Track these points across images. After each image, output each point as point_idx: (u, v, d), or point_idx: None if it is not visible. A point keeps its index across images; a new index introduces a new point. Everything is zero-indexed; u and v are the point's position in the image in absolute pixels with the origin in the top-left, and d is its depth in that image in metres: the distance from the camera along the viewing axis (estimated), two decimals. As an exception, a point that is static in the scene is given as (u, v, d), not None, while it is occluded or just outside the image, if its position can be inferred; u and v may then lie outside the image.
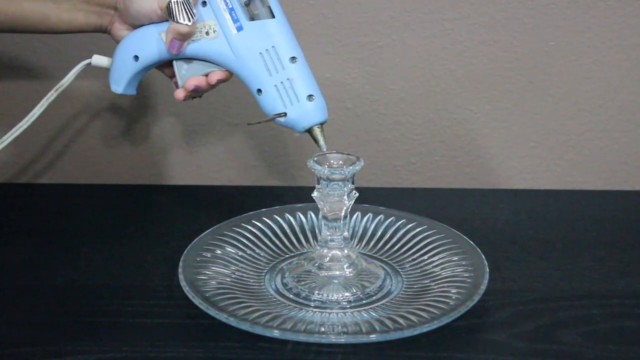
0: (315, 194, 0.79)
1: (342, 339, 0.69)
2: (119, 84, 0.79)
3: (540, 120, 1.05)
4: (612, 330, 0.74)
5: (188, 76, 0.77)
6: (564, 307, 0.77)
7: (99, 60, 0.80)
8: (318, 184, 0.78)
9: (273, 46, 0.75)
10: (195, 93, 0.78)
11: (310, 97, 0.76)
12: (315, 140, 0.77)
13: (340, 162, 0.78)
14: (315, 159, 0.78)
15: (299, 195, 0.95)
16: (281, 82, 0.76)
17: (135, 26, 0.77)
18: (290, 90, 0.76)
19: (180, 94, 0.78)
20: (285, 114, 0.76)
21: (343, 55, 1.03)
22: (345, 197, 0.78)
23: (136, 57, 0.77)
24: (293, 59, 0.76)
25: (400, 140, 1.07)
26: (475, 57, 1.03)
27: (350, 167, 0.77)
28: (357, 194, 0.79)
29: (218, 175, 1.09)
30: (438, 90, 1.04)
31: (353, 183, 0.78)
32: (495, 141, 1.06)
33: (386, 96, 1.05)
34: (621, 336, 0.73)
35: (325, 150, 0.78)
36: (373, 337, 0.69)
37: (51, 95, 0.81)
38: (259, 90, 0.76)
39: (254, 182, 1.09)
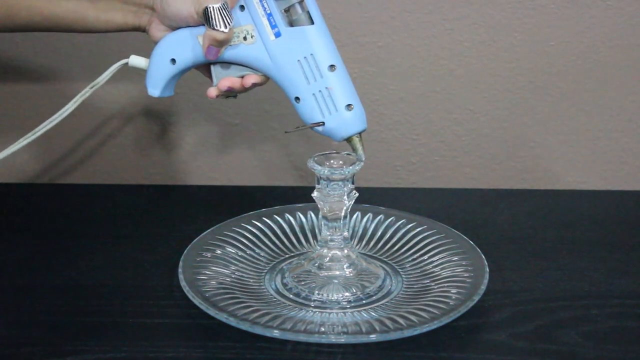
0: (315, 194, 0.79)
1: (342, 339, 0.69)
2: (156, 87, 0.77)
3: (540, 120, 1.05)
4: (612, 330, 0.74)
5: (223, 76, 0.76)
6: (564, 307, 0.77)
7: (136, 60, 0.78)
8: (318, 184, 0.78)
9: (312, 54, 0.74)
10: (229, 93, 0.77)
11: (349, 106, 0.75)
12: (354, 150, 0.77)
13: (340, 162, 0.78)
14: (315, 159, 0.78)
15: (299, 195, 0.95)
16: (319, 91, 0.74)
17: (173, 28, 0.76)
18: (329, 99, 0.74)
19: (212, 92, 0.76)
20: (323, 123, 0.75)
21: (343, 55, 1.02)
22: (345, 197, 0.78)
23: (173, 60, 0.76)
24: (332, 67, 0.74)
25: (400, 140, 1.07)
26: (475, 57, 1.03)
27: (350, 167, 0.77)
28: (357, 194, 0.79)
29: (218, 175, 1.09)
30: (438, 90, 1.04)
31: (353, 183, 0.78)
32: (495, 141, 1.06)
33: (386, 96, 1.05)
34: (621, 336, 0.73)
35: (363, 159, 0.77)
36: (373, 337, 0.69)
37: (86, 92, 0.80)
38: (297, 98, 0.75)
39: (254, 182, 1.09)
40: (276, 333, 0.69)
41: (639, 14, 1.00)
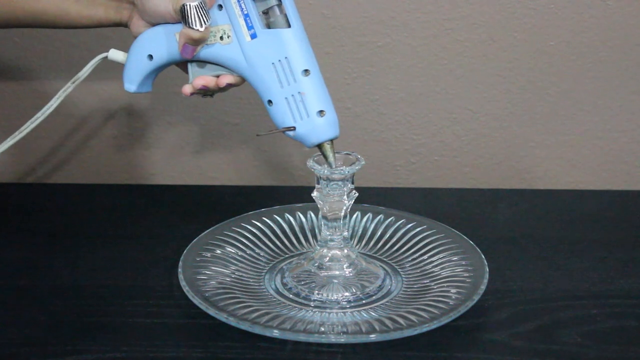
0: (315, 194, 0.79)
1: (342, 339, 0.69)
2: (133, 82, 0.77)
3: (540, 120, 1.05)
4: (612, 330, 0.74)
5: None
6: (564, 307, 0.77)
7: (115, 54, 0.78)
8: (318, 183, 0.78)
9: (286, 57, 0.73)
10: (204, 92, 0.77)
11: (321, 112, 0.74)
12: (325, 157, 0.76)
13: (340, 162, 0.78)
14: (315, 159, 0.78)
15: (299, 195, 0.95)
16: (292, 95, 0.73)
17: (152, 24, 0.76)
18: (301, 104, 0.73)
19: (187, 89, 0.76)
20: (294, 128, 0.74)
21: (343, 55, 1.03)
22: (345, 197, 0.78)
23: (150, 57, 0.76)
24: (306, 71, 0.73)
25: (400, 140, 1.07)
26: (475, 57, 1.03)
27: (350, 167, 0.77)
28: (357, 194, 0.79)
29: (218, 175, 1.09)
30: (438, 90, 1.04)
31: (353, 183, 0.78)
32: (495, 141, 1.06)
33: (386, 96, 1.05)
34: (621, 336, 0.73)
35: (334, 167, 0.76)
36: (373, 337, 0.69)
37: (68, 87, 0.80)
38: (270, 102, 0.74)
39: (254, 182, 1.09)
40: (276, 333, 0.69)
41: (639, 14, 1.00)
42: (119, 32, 0.80)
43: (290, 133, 0.75)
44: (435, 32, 1.02)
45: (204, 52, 0.74)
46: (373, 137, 1.07)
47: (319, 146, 0.75)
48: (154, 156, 1.09)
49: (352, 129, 1.06)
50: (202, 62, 0.76)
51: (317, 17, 1.01)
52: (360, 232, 0.89)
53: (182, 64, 0.78)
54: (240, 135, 1.07)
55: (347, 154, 0.78)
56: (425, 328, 0.70)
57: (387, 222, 0.90)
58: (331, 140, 0.75)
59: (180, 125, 1.07)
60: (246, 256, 0.84)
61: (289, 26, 0.73)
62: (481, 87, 1.04)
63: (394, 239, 0.87)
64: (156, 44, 0.75)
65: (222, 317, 0.71)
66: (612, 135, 1.06)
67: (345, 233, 0.80)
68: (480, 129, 1.06)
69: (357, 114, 1.05)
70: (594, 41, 1.01)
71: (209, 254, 0.82)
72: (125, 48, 0.78)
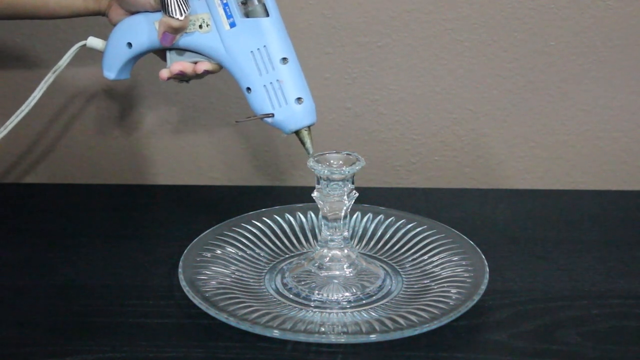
0: (315, 194, 0.79)
1: (342, 339, 0.69)
2: (112, 70, 0.78)
3: (540, 120, 1.05)
4: (612, 330, 0.74)
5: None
6: (564, 307, 0.77)
7: (93, 42, 0.79)
8: (318, 184, 0.78)
9: (265, 45, 0.74)
10: (180, 77, 0.77)
11: (299, 99, 0.75)
12: (302, 143, 0.77)
13: (340, 162, 0.78)
14: (315, 158, 0.78)
15: (299, 195, 0.95)
16: (270, 83, 0.75)
17: (131, 12, 0.77)
18: (279, 91, 0.75)
19: (164, 74, 0.77)
20: (272, 115, 0.76)
21: (343, 55, 1.03)
22: (345, 197, 0.78)
23: (129, 44, 0.76)
24: (284, 59, 0.75)
25: (400, 140, 1.07)
26: (475, 57, 1.03)
27: (350, 167, 0.77)
28: (357, 194, 0.79)
29: (218, 175, 1.09)
30: (438, 90, 1.04)
31: (353, 183, 0.78)
32: (495, 141, 1.06)
33: (386, 96, 1.05)
34: (621, 336, 0.73)
35: (311, 152, 0.77)
36: (373, 337, 0.69)
37: (49, 78, 0.81)
38: (248, 89, 0.76)
39: (254, 182, 1.09)
40: (276, 333, 0.69)
41: (639, 14, 1.00)
42: (94, 20, 0.80)
43: (269, 120, 0.76)
44: (435, 32, 1.02)
45: (183, 41, 0.75)
46: (373, 137, 1.07)
47: (297, 133, 0.77)
48: (155, 156, 1.09)
49: (352, 129, 1.06)
50: (181, 50, 0.77)
51: (317, 17, 1.01)
52: (360, 232, 0.89)
53: (161, 52, 0.79)
54: (240, 135, 1.07)
55: (347, 154, 0.78)
56: (425, 328, 0.70)
57: (387, 222, 0.90)
58: (308, 127, 0.77)
59: (180, 125, 1.07)
60: (246, 256, 0.84)
61: (267, 15, 0.75)
62: (481, 87, 1.04)
63: (394, 239, 0.87)
64: (135, 32, 0.76)
65: (222, 317, 0.71)
66: (612, 135, 1.06)
67: (346, 233, 0.80)
68: (480, 129, 1.06)
69: (357, 114, 1.05)
70: (594, 41, 1.01)
71: (209, 254, 0.82)
72: (102, 36, 0.79)
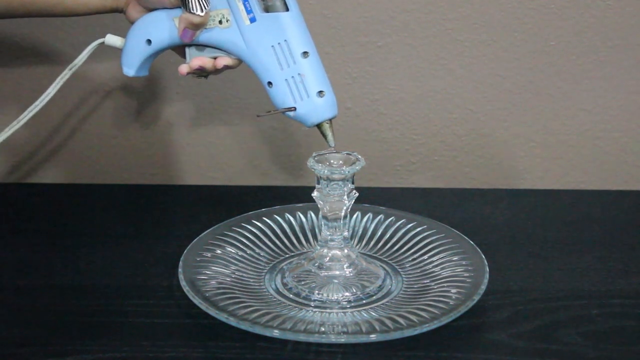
0: (315, 194, 0.79)
1: (342, 339, 0.69)
2: (131, 67, 0.78)
3: (540, 120, 1.05)
4: (612, 330, 0.74)
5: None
6: (564, 307, 0.77)
7: (112, 39, 0.79)
8: (318, 183, 0.78)
9: (285, 40, 0.74)
10: (200, 72, 0.77)
11: (320, 92, 0.75)
12: (324, 136, 0.77)
13: (340, 162, 0.78)
14: (315, 158, 0.78)
15: (299, 195, 0.95)
16: (292, 77, 0.75)
17: (149, 9, 0.76)
18: (301, 85, 0.75)
19: (184, 69, 0.77)
20: (294, 109, 0.76)
21: (343, 55, 1.03)
22: (345, 197, 0.78)
23: (149, 41, 0.76)
24: (305, 53, 0.75)
25: (400, 140, 1.07)
26: (475, 57, 1.03)
27: (350, 167, 0.77)
28: (357, 194, 0.79)
29: (218, 175, 1.09)
30: (438, 90, 1.04)
31: (353, 183, 0.78)
32: (495, 141, 1.06)
33: (386, 96, 1.05)
34: (621, 336, 0.73)
35: (333, 145, 0.77)
36: (373, 337, 0.69)
37: (65, 75, 0.80)
38: (270, 83, 0.75)
39: (254, 182, 1.09)
40: (276, 333, 0.69)
41: (639, 13, 1.00)
42: (111, 17, 0.80)
43: (291, 113, 0.76)
44: (435, 32, 1.02)
45: (203, 37, 0.75)
46: (373, 137, 1.07)
47: (319, 126, 0.77)
48: (154, 156, 1.09)
49: (352, 129, 1.06)
50: (201, 46, 0.76)
51: (317, 17, 1.01)
52: (360, 232, 0.89)
53: (179, 48, 0.78)
54: (240, 134, 1.07)
55: (347, 154, 0.78)
56: (425, 328, 0.70)
57: (387, 222, 0.90)
58: (330, 120, 0.77)
59: (180, 125, 1.07)
60: (246, 256, 0.84)
61: (287, 10, 0.74)
62: (481, 87, 1.04)
63: (394, 239, 0.87)
64: (155, 29, 0.76)
65: (222, 317, 0.71)
66: (612, 135, 1.06)
67: (346, 233, 0.80)
68: (480, 129, 1.06)
69: (357, 114, 1.05)
70: (594, 41, 1.01)
71: (209, 254, 0.82)
72: (120, 33, 0.78)
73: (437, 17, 1.01)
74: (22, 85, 1.05)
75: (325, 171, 0.77)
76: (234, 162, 1.09)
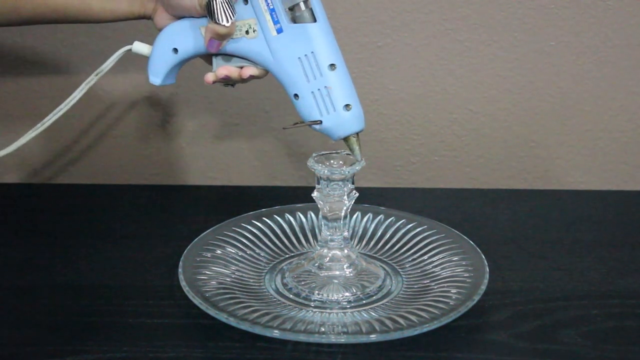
0: (315, 194, 0.79)
1: (342, 339, 0.69)
2: (158, 75, 0.77)
3: (540, 120, 1.05)
4: (612, 330, 0.74)
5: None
6: (564, 307, 0.77)
7: (139, 47, 0.78)
8: (318, 184, 0.78)
9: (312, 52, 0.73)
10: (226, 81, 0.77)
11: (347, 106, 0.74)
12: (351, 150, 0.76)
13: (340, 162, 0.78)
14: (315, 159, 0.78)
15: (299, 195, 0.95)
16: (318, 90, 0.74)
17: (177, 17, 0.76)
18: (327, 98, 0.74)
19: (210, 77, 0.76)
20: (320, 122, 0.74)
21: (343, 55, 1.03)
22: (345, 197, 0.78)
23: (175, 50, 0.76)
24: (332, 66, 0.74)
25: (400, 140, 1.07)
26: (475, 57, 1.03)
27: (350, 167, 0.77)
28: (357, 194, 0.79)
29: (218, 175, 1.09)
30: (438, 90, 1.04)
31: (353, 183, 0.78)
32: (495, 141, 1.06)
33: (386, 96, 1.05)
34: (621, 336, 0.73)
35: (359, 159, 0.76)
36: (373, 337, 0.69)
37: (91, 80, 0.80)
38: (296, 95, 0.74)
39: (254, 182, 1.09)
40: (276, 333, 0.69)
41: (639, 13, 1.00)
42: (141, 24, 0.79)
43: (317, 127, 0.75)
44: (435, 32, 1.02)
45: (230, 46, 0.74)
46: (373, 137, 1.07)
47: (345, 139, 0.76)
48: (154, 156, 1.09)
49: (352, 129, 1.06)
50: (228, 56, 0.76)
51: (317, 17, 1.01)
52: (360, 233, 0.89)
53: (207, 56, 0.78)
54: (240, 135, 1.07)
55: (348, 154, 0.78)
56: (425, 328, 0.70)
57: (387, 222, 0.90)
58: (357, 134, 0.76)
59: (180, 126, 1.07)
60: (246, 256, 0.84)
61: (315, 21, 0.73)
62: (481, 87, 1.04)
63: (394, 239, 0.87)
64: (181, 38, 0.75)
65: (222, 317, 0.71)
66: (612, 135, 1.06)
67: (346, 233, 0.80)
68: (480, 129, 1.06)
69: (357, 114, 1.05)
70: (594, 41, 1.01)
71: (209, 254, 0.82)
72: (148, 41, 0.78)
73: (437, 17, 1.01)
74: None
75: (325, 171, 0.77)
76: (234, 163, 1.09)
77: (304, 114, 0.75)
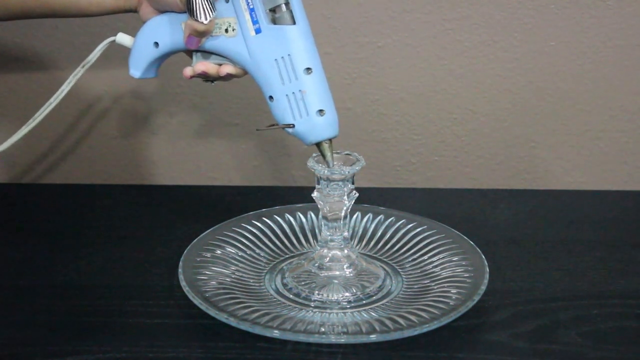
0: (315, 194, 0.79)
1: (342, 339, 0.69)
2: (138, 68, 0.77)
3: (540, 120, 1.05)
4: (612, 330, 0.74)
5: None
6: (564, 307, 0.77)
7: (123, 38, 0.78)
8: (318, 184, 0.78)
9: (289, 54, 0.73)
10: (204, 77, 0.77)
11: (320, 111, 0.74)
12: (323, 155, 0.76)
13: (340, 162, 0.78)
14: (315, 159, 0.78)
15: (299, 195, 0.95)
16: (293, 93, 0.73)
17: (160, 11, 0.76)
18: (301, 102, 0.73)
19: (188, 72, 0.76)
20: (293, 126, 0.74)
21: (343, 55, 1.03)
22: (345, 197, 0.78)
23: (156, 44, 0.76)
24: (308, 70, 0.73)
25: (400, 140, 1.07)
26: (475, 57, 1.03)
27: (350, 167, 0.77)
28: (357, 194, 0.79)
29: (218, 175, 1.09)
30: (438, 90, 1.04)
31: (353, 183, 0.78)
32: (495, 141, 1.06)
33: (386, 96, 1.05)
34: (621, 336, 0.73)
35: (331, 166, 0.76)
36: (373, 337, 0.69)
37: (78, 72, 0.80)
38: (271, 97, 0.74)
39: (254, 182, 1.09)
40: (276, 333, 0.69)
41: (639, 14, 1.00)
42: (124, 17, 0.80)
43: (290, 130, 0.75)
44: (435, 32, 1.02)
45: (209, 44, 0.74)
46: (373, 137, 1.07)
47: (318, 145, 0.75)
48: (154, 156, 1.09)
49: (352, 129, 1.06)
50: (207, 53, 0.76)
51: (317, 17, 1.01)
52: (360, 233, 0.89)
53: (189, 52, 0.78)
54: (240, 135, 1.07)
55: (347, 154, 0.78)
56: (425, 328, 0.70)
57: (387, 222, 0.90)
58: (330, 140, 0.75)
59: (180, 125, 1.07)
60: (246, 256, 0.84)
61: (294, 23, 0.73)
62: (481, 87, 1.04)
63: (394, 239, 0.87)
64: (162, 32, 0.75)
65: (222, 317, 0.71)
66: (612, 135, 1.06)
67: (346, 233, 0.80)
68: (480, 129, 1.06)
69: (357, 114, 1.05)
70: (594, 41, 1.01)
71: (209, 254, 0.82)
72: (133, 33, 0.78)
73: (437, 17, 1.01)
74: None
75: (325, 171, 0.77)
76: (233, 163, 1.09)
77: (278, 117, 0.75)
